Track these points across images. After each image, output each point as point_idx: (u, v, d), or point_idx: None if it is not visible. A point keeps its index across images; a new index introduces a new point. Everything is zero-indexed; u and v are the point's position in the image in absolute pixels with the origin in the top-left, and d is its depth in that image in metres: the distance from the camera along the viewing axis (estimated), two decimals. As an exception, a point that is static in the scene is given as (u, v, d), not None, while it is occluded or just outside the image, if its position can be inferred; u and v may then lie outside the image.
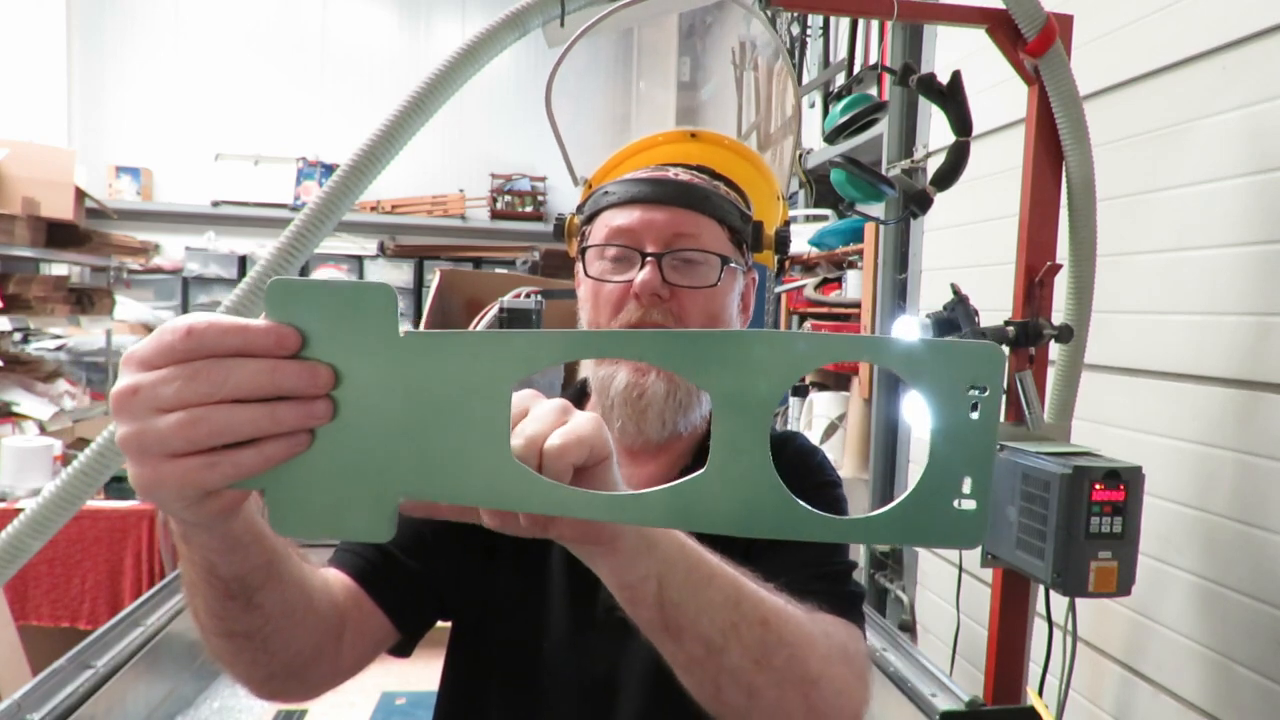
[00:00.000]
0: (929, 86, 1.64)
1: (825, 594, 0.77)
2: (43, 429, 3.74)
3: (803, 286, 3.86)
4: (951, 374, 0.47)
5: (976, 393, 0.47)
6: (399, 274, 6.63)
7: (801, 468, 0.98)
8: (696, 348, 0.48)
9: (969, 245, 2.61)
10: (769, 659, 0.64)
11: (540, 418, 0.52)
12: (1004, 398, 1.65)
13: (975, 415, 0.47)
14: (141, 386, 0.46)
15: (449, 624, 0.98)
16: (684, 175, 0.94)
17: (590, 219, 0.96)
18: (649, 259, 0.89)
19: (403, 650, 0.92)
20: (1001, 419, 1.71)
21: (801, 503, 0.49)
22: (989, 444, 0.47)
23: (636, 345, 0.51)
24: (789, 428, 3.00)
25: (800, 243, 3.78)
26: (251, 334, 0.46)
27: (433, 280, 2.73)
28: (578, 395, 1.03)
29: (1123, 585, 1.48)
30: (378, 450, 0.48)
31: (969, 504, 0.48)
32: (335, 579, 0.84)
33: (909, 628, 2.95)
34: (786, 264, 4.02)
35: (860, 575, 2.79)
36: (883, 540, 0.49)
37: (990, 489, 0.48)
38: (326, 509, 0.49)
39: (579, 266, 0.98)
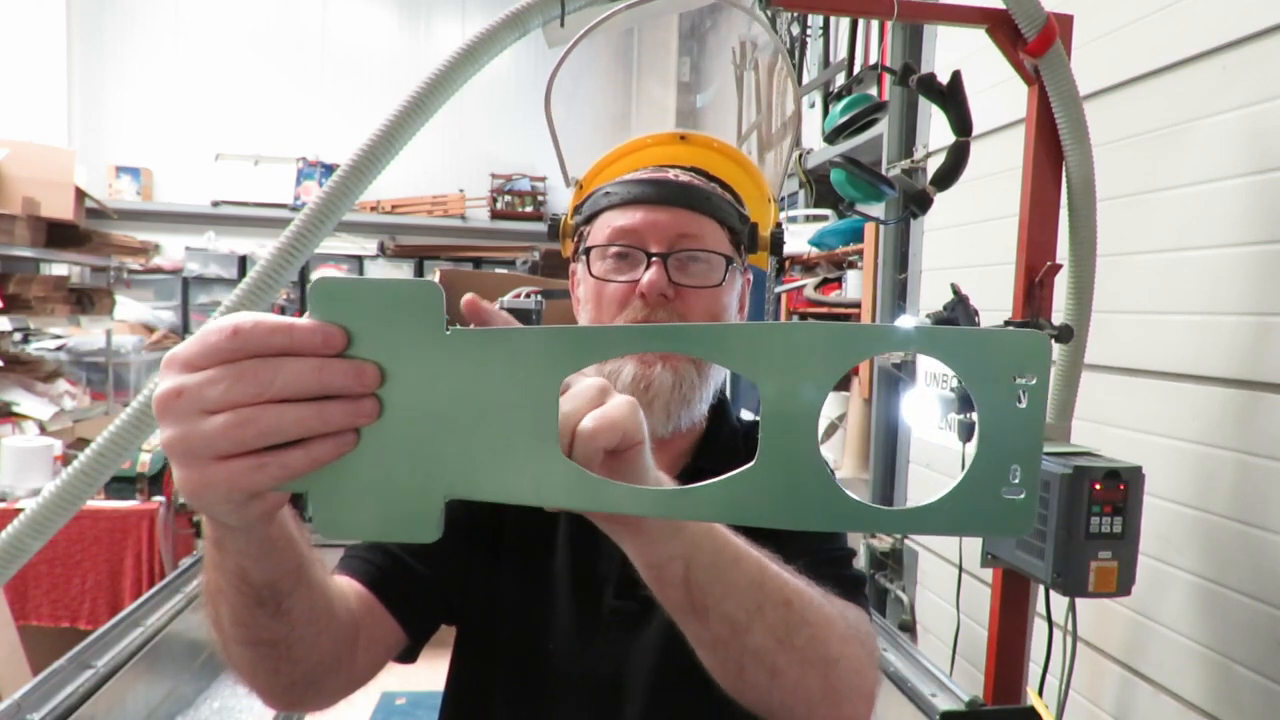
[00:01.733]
0: (929, 86, 1.64)
1: (832, 578, 0.78)
2: (43, 429, 3.74)
3: (803, 286, 3.86)
4: (997, 364, 0.47)
5: (1022, 381, 0.47)
6: (399, 274, 6.63)
7: None
8: (751, 341, 0.48)
9: (969, 245, 2.61)
10: (791, 639, 0.65)
11: (577, 395, 0.52)
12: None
13: (1021, 404, 0.47)
14: (186, 388, 0.46)
15: (453, 626, 0.98)
16: (683, 176, 0.95)
17: (590, 219, 0.96)
18: (654, 259, 0.89)
19: (409, 656, 0.91)
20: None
21: (851, 496, 0.49)
22: (1036, 433, 0.48)
23: (687, 339, 0.50)
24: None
25: (800, 243, 3.78)
26: (298, 333, 0.46)
27: (433, 280, 2.72)
28: None
29: (1123, 585, 1.48)
30: (423, 449, 0.48)
31: (1017, 493, 0.48)
32: (348, 586, 0.84)
33: (909, 628, 2.95)
34: (786, 264, 4.02)
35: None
36: (934, 530, 0.50)
37: (1039, 477, 0.48)
38: (372, 510, 0.48)
39: (576, 267, 0.98)
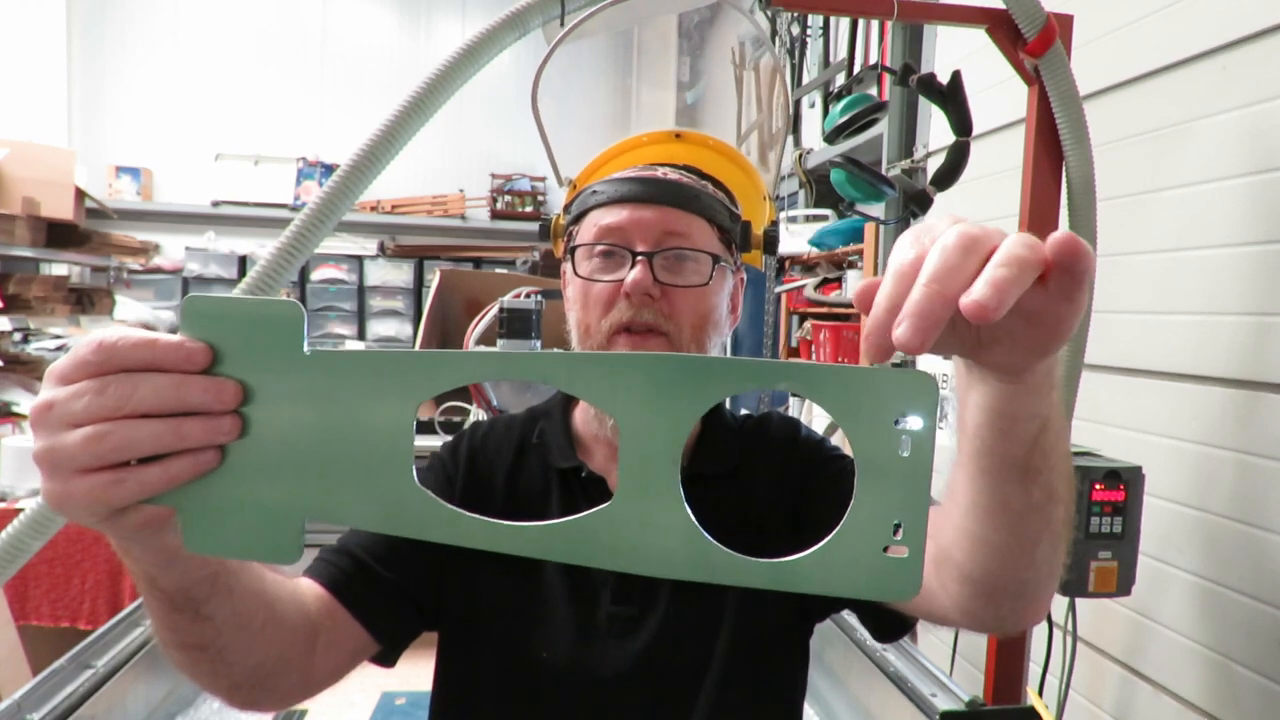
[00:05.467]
0: (929, 86, 1.64)
1: None
2: (43, 429, 3.73)
3: (803, 286, 3.86)
4: (877, 406, 0.43)
5: (904, 427, 0.43)
6: (399, 274, 6.62)
7: (802, 443, 1.00)
8: (607, 372, 0.46)
9: (969, 245, 2.61)
10: (1071, 511, 0.64)
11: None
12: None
13: (905, 452, 0.43)
14: (56, 401, 0.47)
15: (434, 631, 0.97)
16: (672, 174, 0.94)
17: (578, 219, 0.95)
18: (640, 258, 0.88)
19: (385, 660, 0.91)
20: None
21: (717, 544, 0.46)
22: (922, 485, 0.43)
23: (541, 367, 0.48)
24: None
25: (800, 243, 3.78)
26: (159, 349, 0.46)
27: (433, 280, 2.73)
28: (567, 397, 1.03)
29: (1123, 585, 1.48)
30: (284, 470, 0.47)
31: (900, 551, 0.43)
32: (308, 589, 0.83)
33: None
34: (786, 264, 4.02)
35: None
36: (805, 589, 0.45)
37: (925, 535, 0.43)
38: (235, 528, 0.48)
39: (566, 267, 0.97)
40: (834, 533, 0.44)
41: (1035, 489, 0.59)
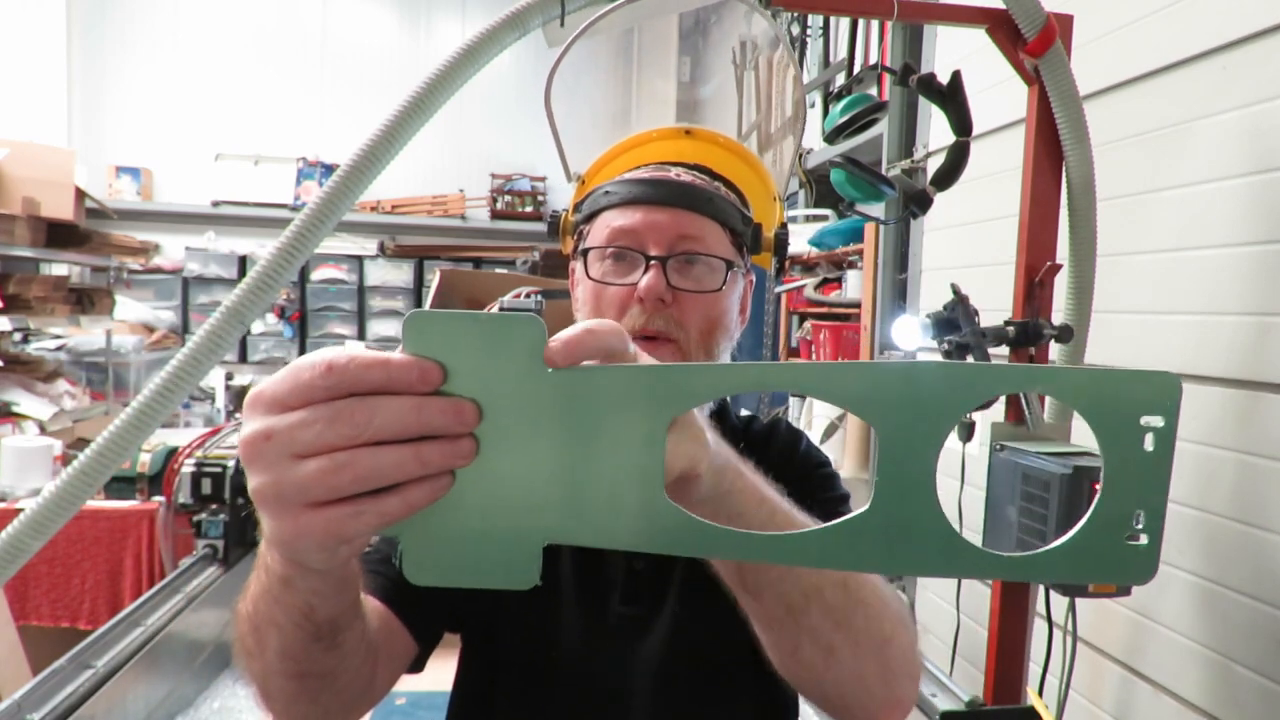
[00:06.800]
0: (929, 86, 1.64)
1: None
2: (43, 429, 3.73)
3: (803, 286, 3.86)
4: (1123, 404, 0.45)
5: (1149, 423, 0.45)
6: (399, 274, 6.63)
7: (801, 456, 1.01)
8: (866, 381, 0.46)
9: (969, 245, 2.61)
10: (849, 620, 0.64)
11: None
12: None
13: (1149, 447, 0.45)
14: (276, 431, 0.43)
15: (456, 633, 0.98)
16: (685, 175, 0.93)
17: (589, 218, 0.94)
18: (653, 262, 0.87)
19: (418, 666, 0.91)
20: (1001, 419, 1.71)
21: (964, 538, 0.47)
22: (1163, 477, 0.46)
23: (797, 377, 0.48)
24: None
25: (800, 243, 3.78)
26: (394, 369, 0.43)
27: (433, 280, 2.73)
28: None
29: (1123, 585, 1.48)
30: (522, 491, 0.45)
31: (1141, 539, 0.46)
32: (367, 604, 0.83)
33: (909, 628, 2.94)
34: (786, 264, 4.02)
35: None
36: (1052, 578, 0.48)
37: (1163, 524, 0.46)
38: (467, 555, 0.46)
39: (575, 266, 0.96)
40: (1081, 522, 0.46)
41: (767, 603, 0.62)
